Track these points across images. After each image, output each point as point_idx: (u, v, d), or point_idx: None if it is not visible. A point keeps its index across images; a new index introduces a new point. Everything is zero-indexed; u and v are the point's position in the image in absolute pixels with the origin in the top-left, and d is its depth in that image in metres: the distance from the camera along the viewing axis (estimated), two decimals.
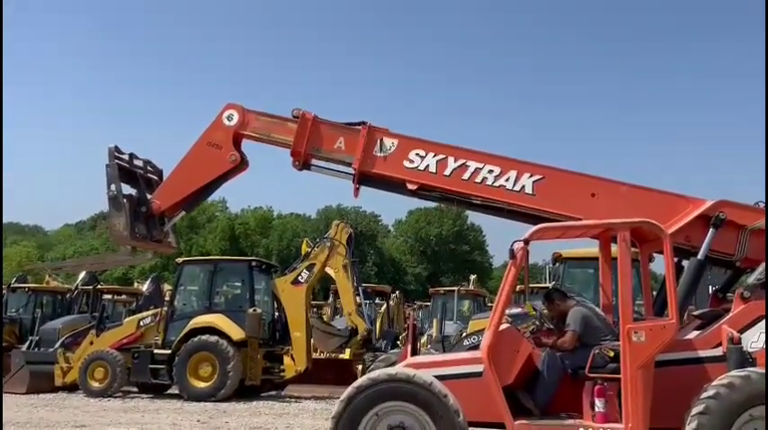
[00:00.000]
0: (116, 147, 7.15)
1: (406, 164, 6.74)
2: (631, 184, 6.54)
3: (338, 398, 5.49)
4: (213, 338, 13.27)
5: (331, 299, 20.32)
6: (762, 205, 6.27)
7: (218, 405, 12.43)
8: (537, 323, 6.26)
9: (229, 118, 7.06)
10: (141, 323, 14.41)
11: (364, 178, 6.91)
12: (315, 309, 19.11)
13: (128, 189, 7.16)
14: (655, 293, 6.65)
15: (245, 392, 13.68)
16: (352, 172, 6.90)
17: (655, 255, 6.52)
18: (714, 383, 5.19)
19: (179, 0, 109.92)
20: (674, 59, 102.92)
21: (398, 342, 16.36)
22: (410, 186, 6.78)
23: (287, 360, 13.82)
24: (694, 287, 6.24)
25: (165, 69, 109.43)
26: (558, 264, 12.25)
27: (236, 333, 13.31)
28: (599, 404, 5.48)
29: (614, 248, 6.01)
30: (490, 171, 6.60)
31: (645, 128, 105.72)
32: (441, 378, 5.45)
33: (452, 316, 20.27)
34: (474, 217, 59.33)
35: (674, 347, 5.52)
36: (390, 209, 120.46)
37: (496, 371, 5.45)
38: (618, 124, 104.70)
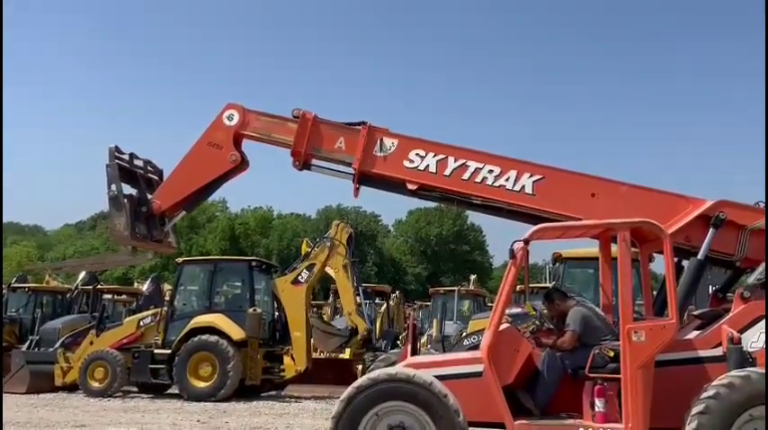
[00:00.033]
0: (116, 147, 7.15)
1: (406, 164, 6.75)
2: (631, 184, 6.54)
3: (338, 397, 5.50)
4: (213, 338, 13.27)
5: (331, 298, 20.32)
6: (762, 205, 6.27)
7: (219, 405, 12.44)
8: (537, 323, 6.26)
9: (230, 118, 7.06)
10: (141, 323, 14.42)
11: (364, 178, 6.91)
12: (315, 309, 19.11)
13: (128, 189, 7.17)
14: (655, 293, 6.65)
15: (245, 392, 13.68)
16: (353, 172, 6.91)
17: (655, 255, 6.52)
18: (714, 383, 5.19)
19: (179, 0, 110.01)
20: (674, 59, 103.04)
21: (398, 342, 16.37)
22: (410, 186, 6.79)
23: (287, 360, 13.83)
24: (694, 287, 6.24)
25: (165, 69, 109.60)
26: (558, 264, 12.25)
27: (237, 333, 13.32)
28: (599, 404, 5.48)
29: (614, 248, 6.01)
30: (490, 171, 6.60)
31: (645, 128, 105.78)
32: (441, 378, 5.45)
33: (452, 316, 20.28)
34: (474, 217, 59.43)
35: (674, 347, 5.52)
36: (390, 209, 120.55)
37: (496, 370, 5.45)
38: (618, 124, 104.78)
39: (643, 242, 6.31)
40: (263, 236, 62.78)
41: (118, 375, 13.71)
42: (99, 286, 20.30)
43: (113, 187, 6.96)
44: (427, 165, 6.70)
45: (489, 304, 20.99)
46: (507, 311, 5.88)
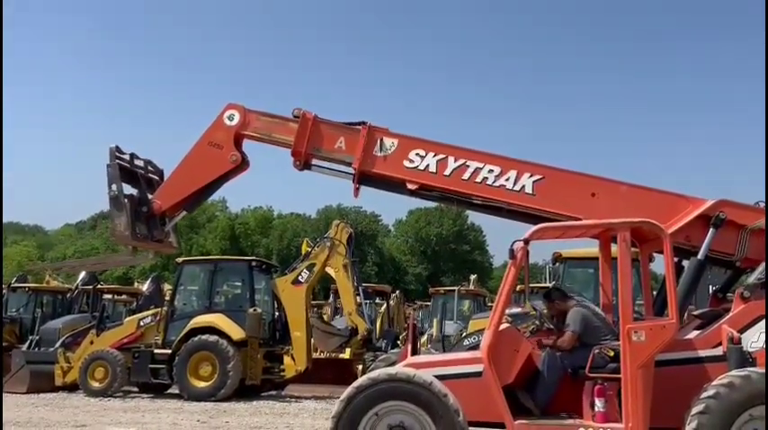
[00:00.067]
0: (117, 147, 7.16)
1: (406, 163, 6.75)
2: (631, 184, 6.55)
3: (338, 397, 5.50)
4: (213, 338, 13.27)
5: (331, 298, 20.31)
6: (762, 205, 6.28)
7: (219, 404, 12.44)
8: (537, 323, 6.26)
9: (230, 118, 7.07)
10: (141, 323, 14.41)
11: (364, 178, 6.92)
12: (315, 309, 19.10)
13: (129, 189, 7.18)
14: (655, 293, 6.66)
15: (245, 392, 13.68)
16: (353, 172, 6.92)
17: (655, 254, 6.52)
18: (714, 383, 5.19)
19: (179, 0, 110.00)
20: (674, 59, 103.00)
21: (398, 342, 16.34)
22: (410, 186, 6.79)
23: (287, 360, 13.83)
24: (694, 287, 6.25)
25: (165, 69, 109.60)
26: (558, 264, 12.25)
27: (237, 333, 13.32)
28: (599, 404, 5.48)
29: (614, 248, 6.01)
30: (490, 171, 6.61)
31: (645, 128, 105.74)
32: (441, 377, 5.46)
33: (452, 316, 20.30)
34: (474, 217, 59.43)
35: (674, 347, 5.53)
36: (390, 209, 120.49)
37: (496, 370, 5.46)
38: (618, 124, 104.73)
39: (643, 242, 6.31)
40: (263, 236, 62.81)
41: (118, 375, 13.71)
42: (99, 286, 20.30)
43: (114, 187, 6.97)
44: (427, 165, 6.71)
45: (489, 304, 20.99)
46: (507, 311, 5.88)
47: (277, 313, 14.63)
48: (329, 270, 13.99)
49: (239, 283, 15.04)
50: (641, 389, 5.28)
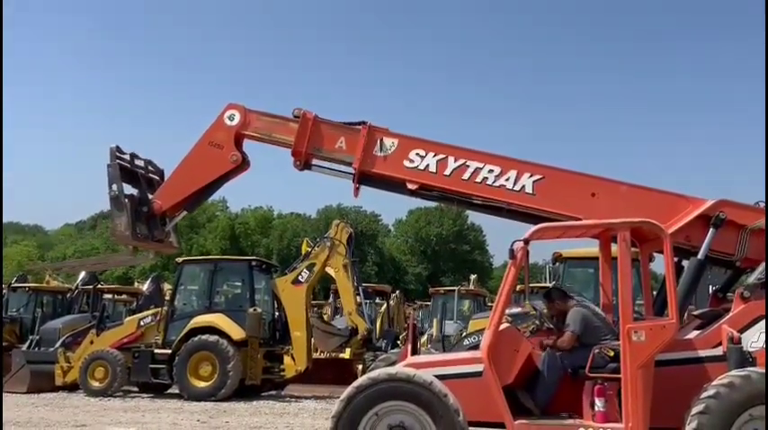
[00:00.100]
0: (117, 147, 7.17)
1: (407, 163, 6.76)
2: (631, 184, 6.55)
3: (338, 397, 5.50)
4: (213, 338, 13.27)
5: (331, 298, 20.31)
6: (762, 205, 6.28)
7: (219, 404, 12.44)
8: (537, 323, 6.26)
9: (231, 118, 7.08)
10: (141, 322, 14.42)
11: (364, 178, 6.92)
12: (315, 309, 19.10)
13: (129, 189, 7.19)
14: (655, 293, 6.66)
15: (245, 392, 13.68)
16: (353, 172, 6.92)
17: (655, 254, 6.53)
18: (714, 383, 5.19)
19: (179, 0, 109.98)
20: (674, 59, 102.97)
21: (398, 341, 16.35)
22: (410, 186, 6.80)
23: (287, 359, 13.83)
24: (694, 287, 6.26)
25: (165, 69, 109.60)
26: (558, 264, 12.25)
27: (237, 332, 13.32)
28: (599, 404, 5.48)
29: (614, 248, 6.02)
30: (490, 171, 6.61)
31: (645, 128, 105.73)
32: (441, 377, 5.45)
33: (452, 315, 20.30)
34: (474, 217, 59.38)
35: (674, 347, 5.53)
36: (390, 208, 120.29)
37: (496, 370, 5.46)
38: (618, 124, 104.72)
39: (643, 242, 6.31)
40: (263, 235, 62.79)
41: (118, 375, 13.72)
42: (99, 286, 20.31)
43: (114, 187, 6.98)
44: (427, 165, 6.71)
45: (489, 304, 20.99)
46: (507, 311, 5.88)
47: (277, 313, 14.64)
48: (329, 270, 13.99)
49: (239, 283, 15.04)
50: (641, 389, 5.28)
